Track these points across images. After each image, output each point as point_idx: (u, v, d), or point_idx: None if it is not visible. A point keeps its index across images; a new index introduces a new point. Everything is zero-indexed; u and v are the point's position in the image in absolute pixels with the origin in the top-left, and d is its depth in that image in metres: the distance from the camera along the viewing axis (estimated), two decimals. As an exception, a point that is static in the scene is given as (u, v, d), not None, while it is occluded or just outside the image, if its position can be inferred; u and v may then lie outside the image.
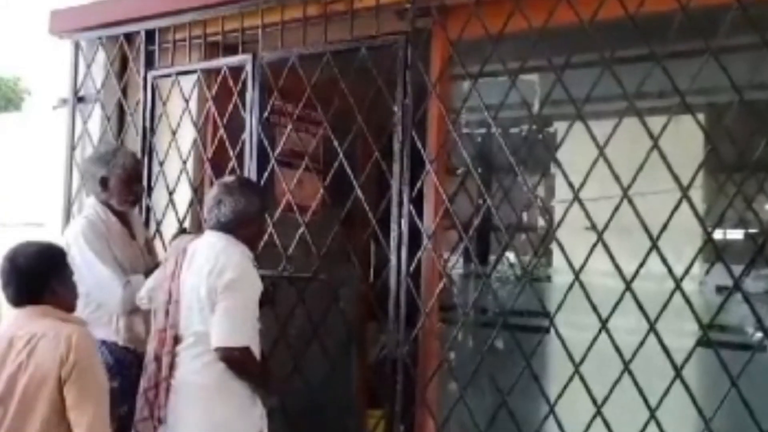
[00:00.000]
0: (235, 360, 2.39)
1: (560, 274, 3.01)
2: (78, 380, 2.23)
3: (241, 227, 2.49)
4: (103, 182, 2.84)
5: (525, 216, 2.97)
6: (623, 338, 2.47)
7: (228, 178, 2.63)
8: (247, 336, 2.42)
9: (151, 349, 2.56)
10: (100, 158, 2.88)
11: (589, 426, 2.48)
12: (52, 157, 3.95)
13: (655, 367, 2.42)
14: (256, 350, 2.48)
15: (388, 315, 2.84)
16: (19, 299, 2.37)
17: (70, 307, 2.43)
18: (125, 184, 2.88)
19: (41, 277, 2.37)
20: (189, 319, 2.43)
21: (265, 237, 3.13)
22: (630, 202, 2.42)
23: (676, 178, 2.35)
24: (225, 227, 2.49)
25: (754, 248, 2.34)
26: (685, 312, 2.45)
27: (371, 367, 4.09)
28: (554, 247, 2.97)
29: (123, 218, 2.91)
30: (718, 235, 2.51)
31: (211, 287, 2.38)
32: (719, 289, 2.61)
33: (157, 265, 2.78)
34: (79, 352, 2.25)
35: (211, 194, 2.55)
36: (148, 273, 2.77)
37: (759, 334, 2.49)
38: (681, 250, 2.46)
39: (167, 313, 2.50)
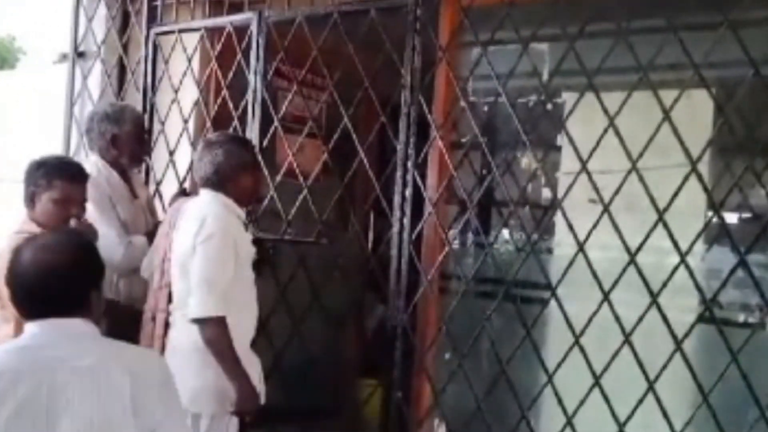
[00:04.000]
0: (204, 336, 2.25)
1: (561, 247, 2.99)
2: None
3: (226, 182, 2.37)
4: (114, 140, 2.80)
5: (529, 187, 2.95)
6: (622, 313, 2.45)
7: (211, 135, 2.51)
8: (220, 305, 2.25)
9: (148, 307, 2.54)
10: (108, 116, 2.82)
11: (586, 397, 2.48)
12: (49, 114, 3.89)
13: (653, 342, 2.42)
14: (244, 314, 2.38)
15: (388, 282, 2.82)
16: None
17: None
18: (137, 140, 2.87)
19: None
20: (178, 279, 2.36)
21: (265, 203, 3.11)
22: (638, 174, 2.40)
23: (686, 151, 2.33)
24: (211, 183, 2.38)
25: (755, 230, 2.32)
26: (684, 290, 2.45)
27: (367, 337, 4.09)
28: (557, 219, 2.96)
29: (125, 177, 2.88)
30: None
31: (192, 244, 2.28)
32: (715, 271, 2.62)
33: (157, 225, 2.76)
34: None
35: (196, 152, 2.46)
36: (149, 233, 2.74)
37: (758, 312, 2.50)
38: (683, 229, 2.44)
39: (162, 272, 2.48)
